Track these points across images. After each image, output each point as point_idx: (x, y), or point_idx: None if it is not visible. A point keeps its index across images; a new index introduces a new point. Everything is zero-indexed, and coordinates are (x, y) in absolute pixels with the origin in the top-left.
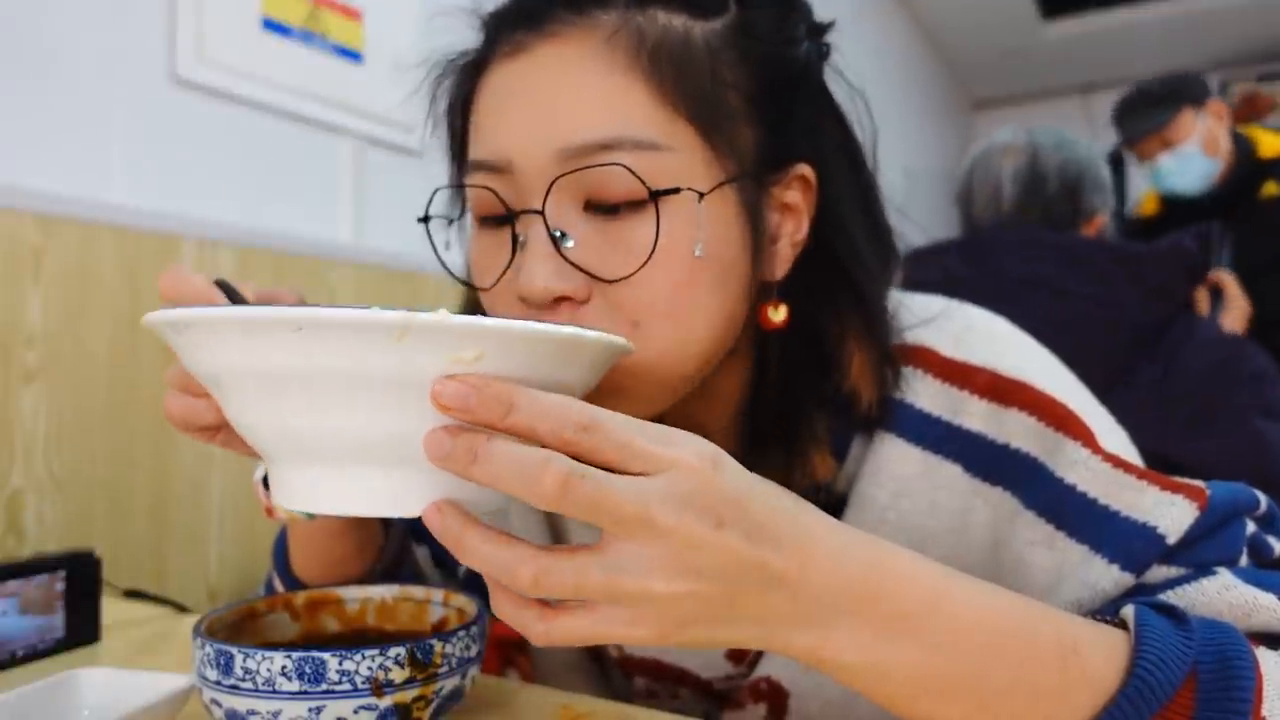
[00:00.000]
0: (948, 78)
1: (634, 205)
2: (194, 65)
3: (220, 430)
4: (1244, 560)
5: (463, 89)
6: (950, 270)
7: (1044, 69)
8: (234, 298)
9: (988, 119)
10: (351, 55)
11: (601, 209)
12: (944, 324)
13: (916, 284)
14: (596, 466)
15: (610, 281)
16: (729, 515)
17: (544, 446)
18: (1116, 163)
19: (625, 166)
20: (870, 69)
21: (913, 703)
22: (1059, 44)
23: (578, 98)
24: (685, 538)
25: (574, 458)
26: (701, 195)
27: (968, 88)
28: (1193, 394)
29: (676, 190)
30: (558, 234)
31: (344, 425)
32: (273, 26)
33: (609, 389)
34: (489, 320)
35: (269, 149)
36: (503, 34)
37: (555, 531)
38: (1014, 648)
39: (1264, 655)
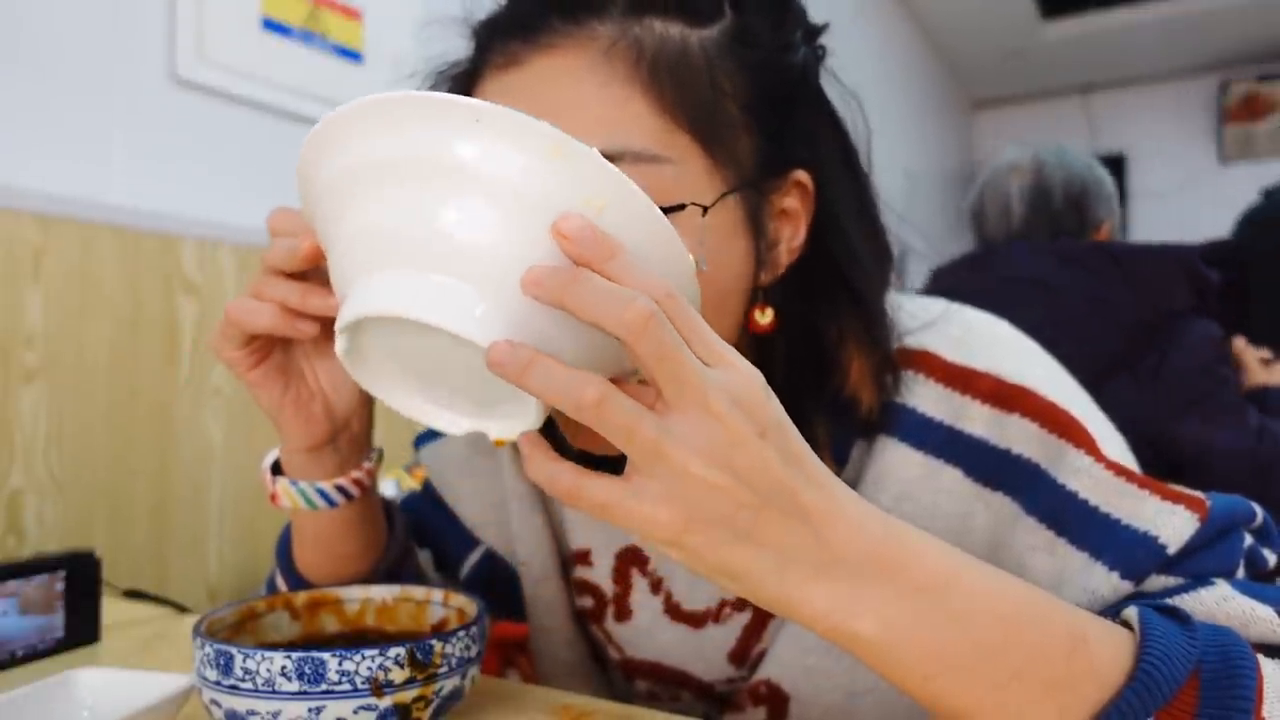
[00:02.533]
0: (948, 78)
1: None
2: (194, 65)
3: (260, 364)
4: (1240, 572)
5: None
6: (960, 279)
7: (1044, 69)
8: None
9: (988, 119)
10: (351, 55)
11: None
12: (944, 327)
13: (931, 295)
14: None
15: None
16: (772, 431)
17: None
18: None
19: None
20: (870, 69)
21: (925, 681)
22: (1059, 44)
23: (575, 111)
24: (733, 430)
25: None
26: (705, 209)
27: (968, 88)
28: (1190, 384)
29: (681, 206)
30: None
31: (463, 229)
32: (273, 26)
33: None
34: (624, 177)
35: (269, 149)
36: (495, 44)
37: (555, 528)
38: (1026, 631)
39: (1264, 659)
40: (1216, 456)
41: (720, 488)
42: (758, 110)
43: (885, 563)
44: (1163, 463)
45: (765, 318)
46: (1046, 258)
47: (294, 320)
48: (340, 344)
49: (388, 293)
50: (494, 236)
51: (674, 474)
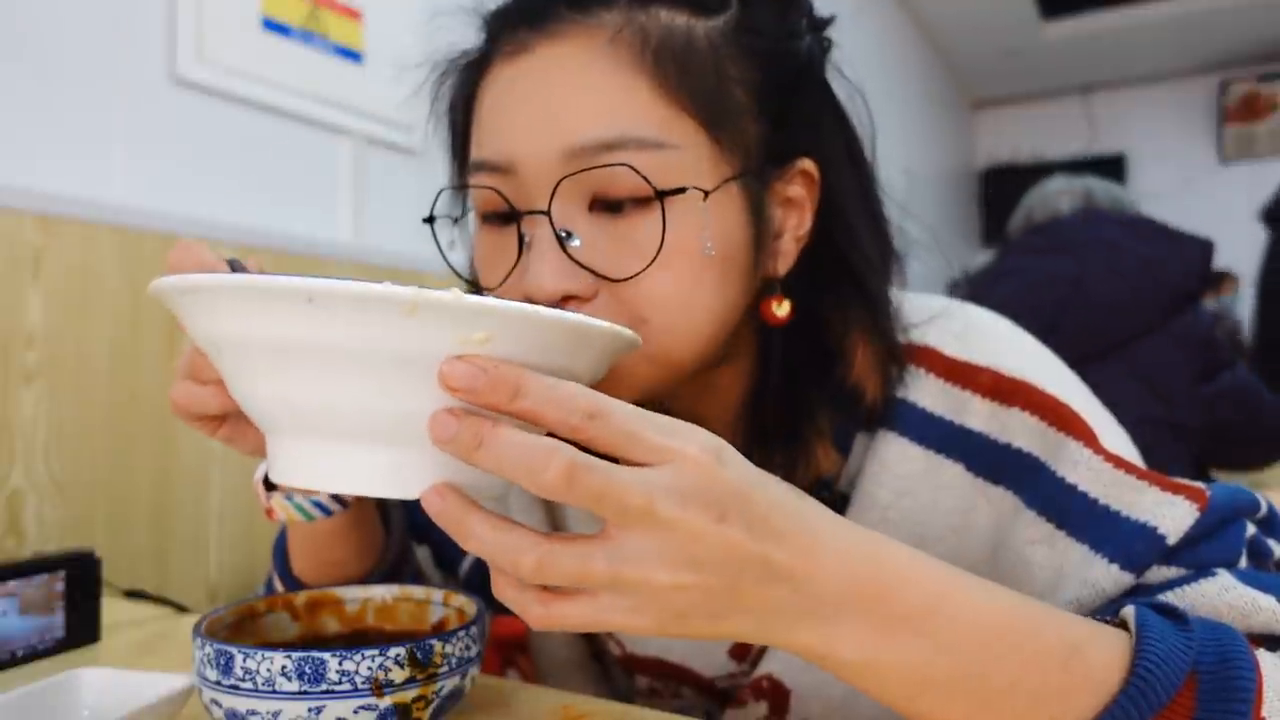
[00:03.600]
0: (948, 78)
1: (639, 204)
2: (194, 65)
3: (224, 423)
4: (1243, 562)
5: (464, 88)
6: (1025, 243)
7: (1044, 69)
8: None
9: (988, 119)
10: (351, 55)
11: (607, 208)
12: (946, 323)
13: (977, 298)
14: (601, 455)
15: (617, 280)
16: (732, 508)
17: (550, 432)
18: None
19: (631, 167)
20: (870, 69)
21: (912, 701)
22: (1059, 44)
23: (582, 98)
24: (688, 530)
25: (578, 446)
26: (707, 194)
27: (968, 88)
28: (1204, 353)
29: (683, 190)
30: (563, 234)
31: (348, 401)
32: (273, 26)
33: (608, 381)
34: (500, 302)
35: (269, 149)
36: (504, 33)
37: (554, 521)
38: (1016, 648)
39: (1264, 657)
40: (1216, 421)
41: (690, 586)
42: (763, 98)
43: (866, 595)
44: (1202, 412)
45: (782, 309)
46: (1109, 224)
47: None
48: (269, 494)
49: (306, 468)
50: (390, 400)
51: (639, 589)
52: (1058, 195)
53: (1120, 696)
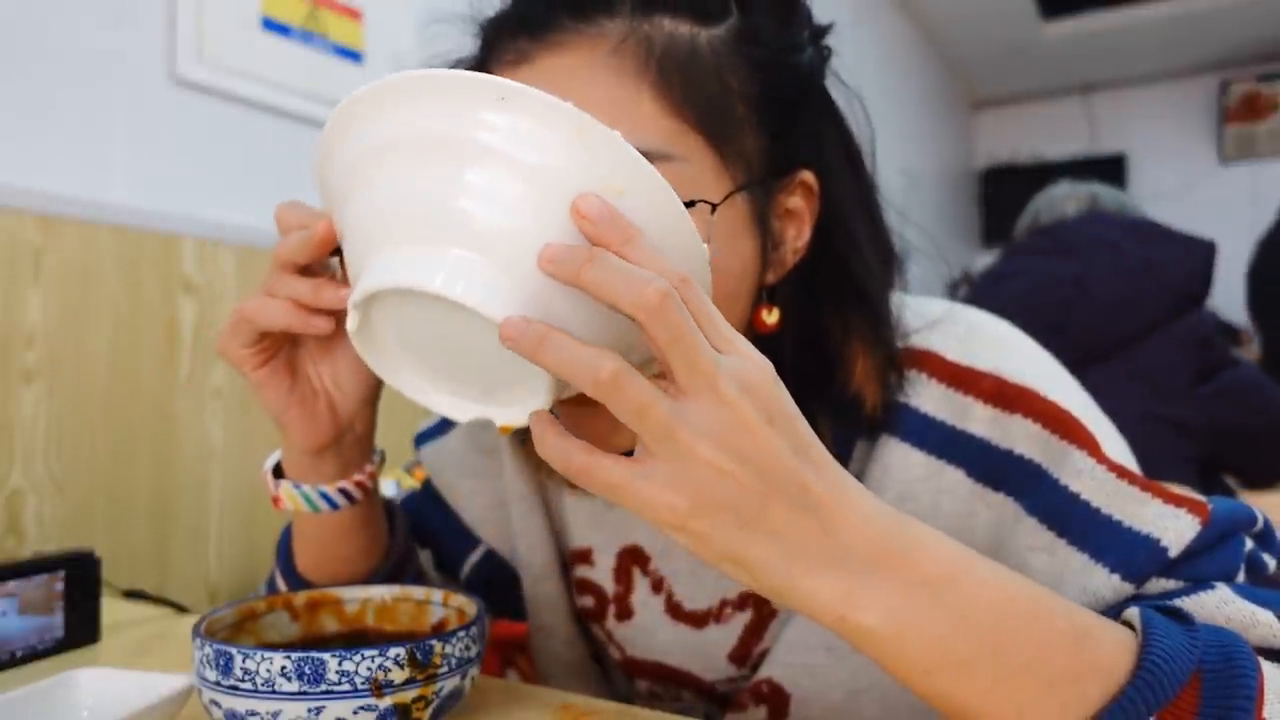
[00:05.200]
0: (948, 78)
1: None
2: (194, 65)
3: (268, 363)
4: (1241, 576)
5: None
6: (1029, 244)
7: (1044, 69)
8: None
9: (988, 119)
10: (351, 55)
11: None
12: (948, 327)
13: (981, 299)
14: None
15: None
16: (780, 419)
17: None
18: None
19: None
20: (870, 69)
21: (929, 675)
22: (1059, 44)
23: (585, 109)
24: (740, 417)
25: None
26: (714, 207)
27: (968, 88)
28: (1202, 352)
29: (691, 203)
30: None
31: (485, 204)
32: (273, 26)
33: None
34: (645, 161)
35: (269, 149)
36: (502, 41)
37: (553, 523)
38: (1030, 627)
39: (1264, 662)
40: (1215, 419)
41: (729, 473)
42: (765, 109)
43: (892, 555)
44: (1203, 413)
45: (771, 317)
46: (1112, 225)
47: (308, 316)
48: (351, 321)
49: (404, 267)
50: (514, 214)
51: (683, 457)
52: (1064, 200)
53: (1129, 689)
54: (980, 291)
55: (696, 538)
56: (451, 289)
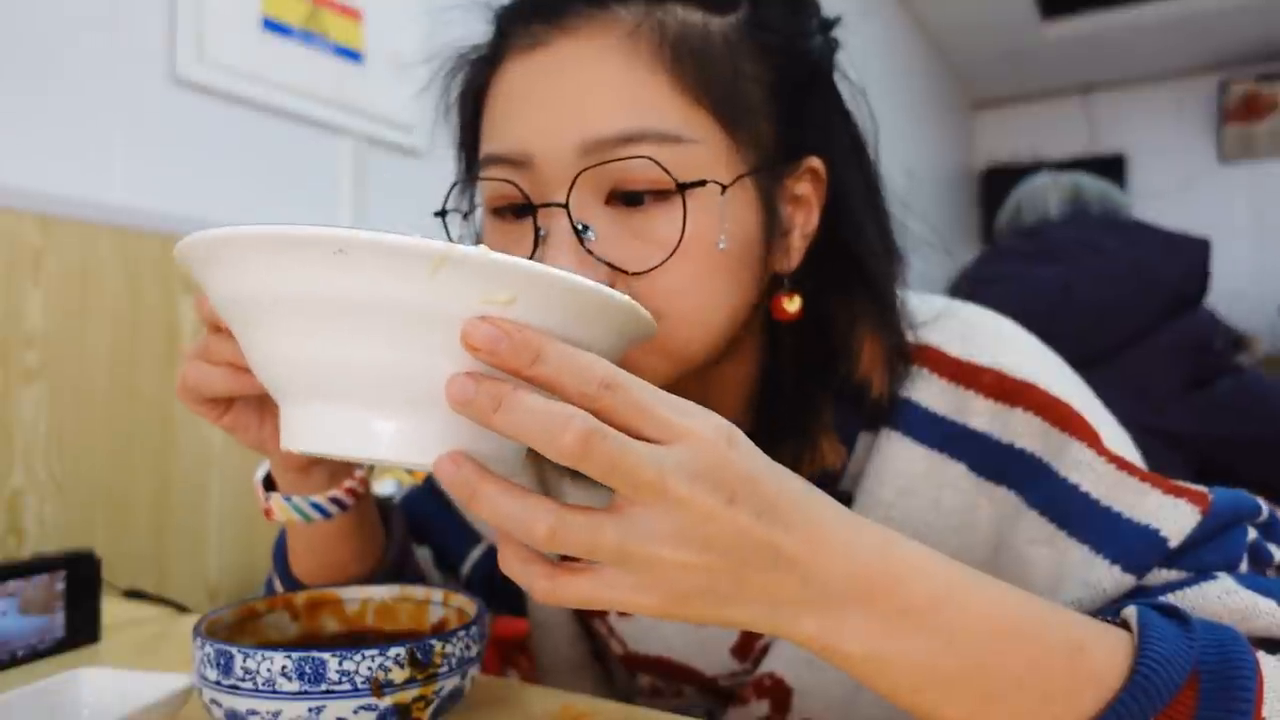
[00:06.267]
0: (948, 78)
1: (658, 197)
2: (194, 65)
3: (229, 410)
4: (1244, 566)
5: (474, 82)
6: (1013, 246)
7: (1044, 69)
8: None
9: (988, 119)
10: (351, 55)
11: (624, 201)
12: (948, 323)
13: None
14: (614, 429)
15: (633, 274)
16: (741, 491)
17: (566, 401)
18: None
19: (652, 159)
20: (871, 69)
21: (915, 695)
22: (1059, 44)
23: (601, 91)
24: (698, 509)
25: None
26: (725, 187)
27: (968, 88)
28: (1197, 356)
29: (703, 183)
30: (580, 227)
31: (367, 360)
32: (273, 26)
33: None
34: (528, 262)
35: (269, 149)
36: (517, 27)
37: None
38: (1021, 644)
39: (1264, 659)
40: (1209, 427)
41: (696, 566)
42: (775, 95)
43: (873, 585)
44: (1197, 421)
45: (793, 305)
46: (1098, 229)
47: (249, 379)
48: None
49: (311, 432)
50: (409, 359)
51: (646, 565)
52: (1045, 190)
53: (1123, 694)
54: (963, 295)
55: (680, 619)
56: (373, 452)
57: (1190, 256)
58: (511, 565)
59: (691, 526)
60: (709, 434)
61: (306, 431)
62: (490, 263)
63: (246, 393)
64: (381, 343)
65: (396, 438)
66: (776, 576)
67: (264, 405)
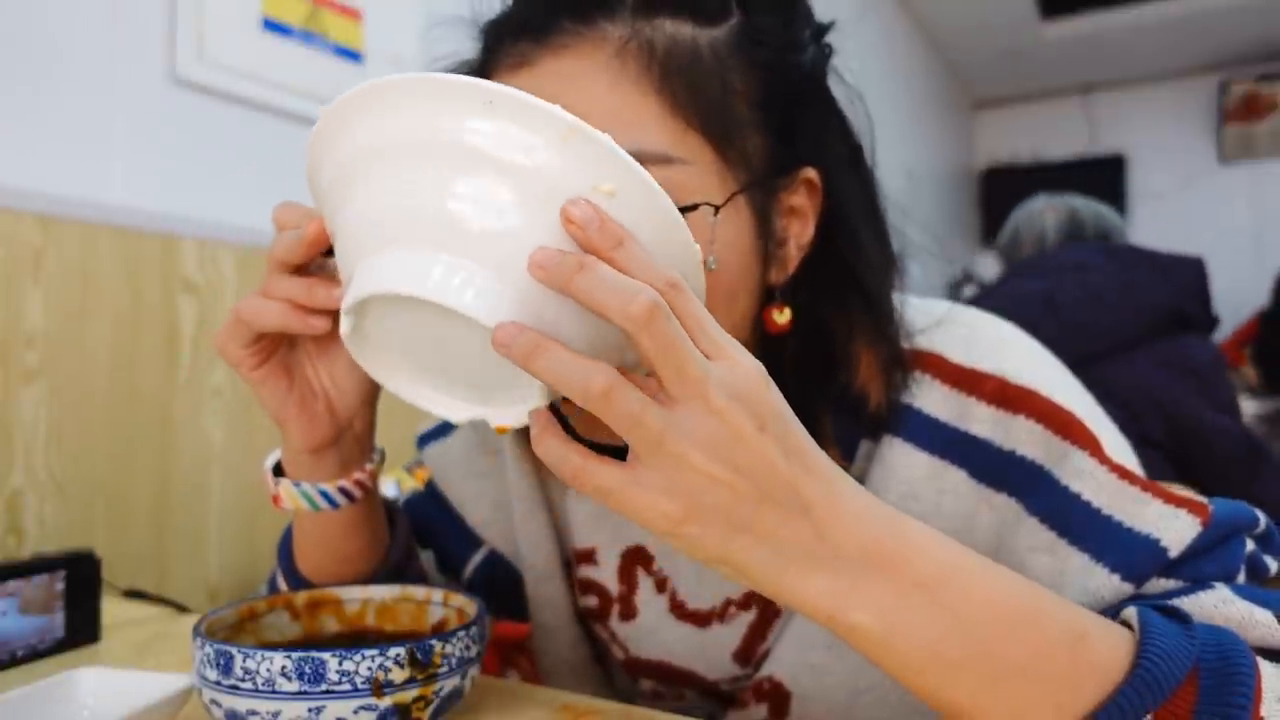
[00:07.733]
0: (948, 78)
1: None
2: (194, 65)
3: (267, 360)
4: (1241, 578)
5: None
6: (1017, 270)
7: (1044, 69)
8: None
9: (988, 119)
10: (351, 55)
11: None
12: (950, 328)
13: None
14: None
15: None
16: (771, 424)
17: None
18: None
19: None
20: (871, 69)
21: (920, 674)
22: (1059, 44)
23: (588, 112)
24: (731, 426)
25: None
26: (717, 209)
27: (968, 88)
28: (1190, 383)
29: (694, 206)
30: None
31: (468, 213)
32: (273, 26)
33: None
34: (635, 163)
35: (269, 149)
36: (504, 45)
37: (559, 532)
38: (1026, 628)
39: (1262, 661)
40: (1227, 437)
41: (720, 481)
42: (767, 109)
43: (885, 557)
44: (1170, 437)
45: (783, 317)
46: (1086, 250)
47: (303, 316)
48: (345, 325)
49: (394, 272)
50: (504, 218)
51: (675, 465)
52: (1041, 213)
53: (1125, 686)
54: (965, 299)
55: (689, 541)
56: (443, 294)
57: (1183, 276)
58: (548, 445)
59: (724, 441)
60: (751, 366)
61: (394, 272)
62: (610, 148)
63: (300, 329)
64: (488, 198)
65: (471, 293)
66: (793, 520)
67: (294, 369)
